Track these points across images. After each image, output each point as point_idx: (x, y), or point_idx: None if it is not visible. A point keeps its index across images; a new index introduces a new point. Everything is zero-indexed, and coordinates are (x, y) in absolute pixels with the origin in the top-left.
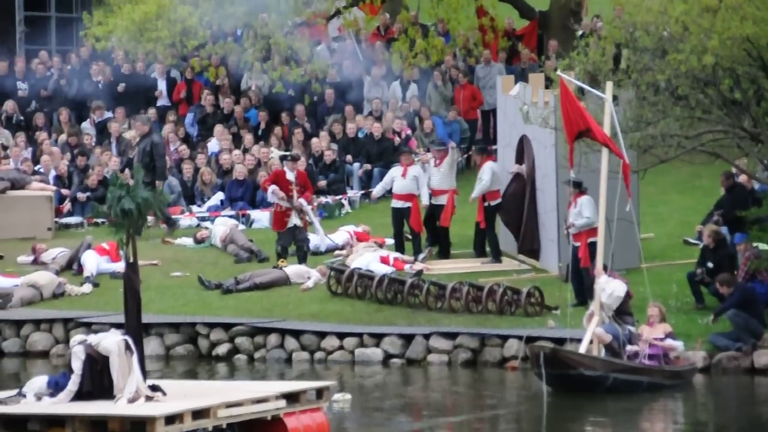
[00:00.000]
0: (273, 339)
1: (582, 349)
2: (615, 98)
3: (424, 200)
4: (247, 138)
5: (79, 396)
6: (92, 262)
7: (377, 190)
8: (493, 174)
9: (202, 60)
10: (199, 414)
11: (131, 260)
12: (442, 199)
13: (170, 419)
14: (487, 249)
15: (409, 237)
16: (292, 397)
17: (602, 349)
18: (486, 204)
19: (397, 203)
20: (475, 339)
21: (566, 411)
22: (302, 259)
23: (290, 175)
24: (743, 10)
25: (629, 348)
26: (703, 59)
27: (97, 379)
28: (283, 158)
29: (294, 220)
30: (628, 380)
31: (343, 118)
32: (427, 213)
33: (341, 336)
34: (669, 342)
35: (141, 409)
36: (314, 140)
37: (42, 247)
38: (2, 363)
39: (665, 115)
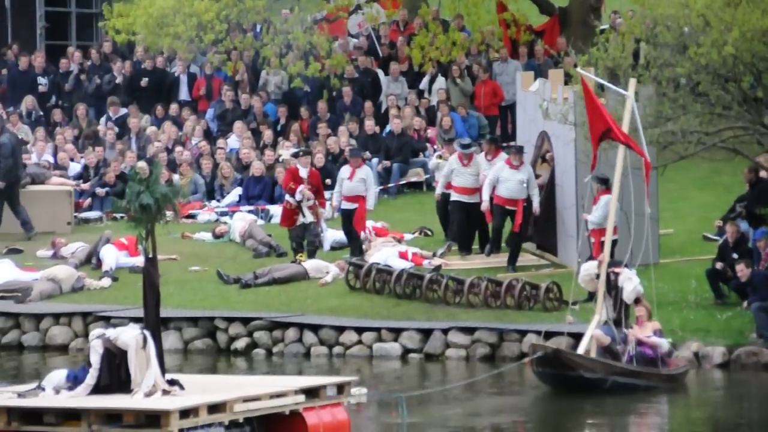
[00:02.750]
0: (291, 333)
1: (581, 349)
2: (635, 94)
3: (370, 204)
4: (267, 134)
5: (98, 390)
6: (111, 256)
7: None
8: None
9: (221, 54)
10: (215, 408)
11: (150, 255)
12: (476, 198)
13: (185, 413)
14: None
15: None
16: (311, 393)
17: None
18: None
19: (345, 204)
20: (494, 334)
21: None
22: (311, 255)
23: (303, 172)
24: (764, 3)
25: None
26: (723, 50)
27: (115, 373)
28: (295, 155)
29: (302, 217)
30: (626, 383)
31: (358, 117)
32: (440, 208)
33: (360, 330)
34: (653, 339)
35: (156, 402)
36: (331, 138)
37: (61, 242)
38: (22, 356)
39: (685, 111)
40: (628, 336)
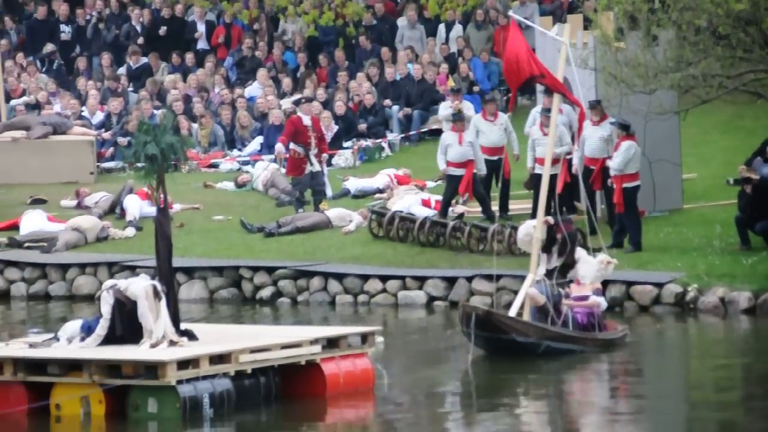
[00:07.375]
0: (316, 282)
1: (513, 309)
2: (655, 38)
3: (481, 167)
4: (285, 82)
5: (109, 340)
6: (134, 206)
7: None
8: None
9: (235, 3)
10: (218, 359)
11: (162, 205)
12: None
13: (184, 364)
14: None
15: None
16: (332, 343)
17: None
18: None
19: (453, 170)
20: (518, 281)
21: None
22: (316, 205)
23: (306, 120)
24: None
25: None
26: None
27: (127, 323)
28: (297, 103)
29: (310, 166)
30: (561, 348)
31: (380, 62)
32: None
33: (384, 279)
34: (592, 299)
35: (154, 353)
36: (353, 84)
37: (85, 192)
38: (49, 306)
39: (706, 54)
40: (562, 298)
